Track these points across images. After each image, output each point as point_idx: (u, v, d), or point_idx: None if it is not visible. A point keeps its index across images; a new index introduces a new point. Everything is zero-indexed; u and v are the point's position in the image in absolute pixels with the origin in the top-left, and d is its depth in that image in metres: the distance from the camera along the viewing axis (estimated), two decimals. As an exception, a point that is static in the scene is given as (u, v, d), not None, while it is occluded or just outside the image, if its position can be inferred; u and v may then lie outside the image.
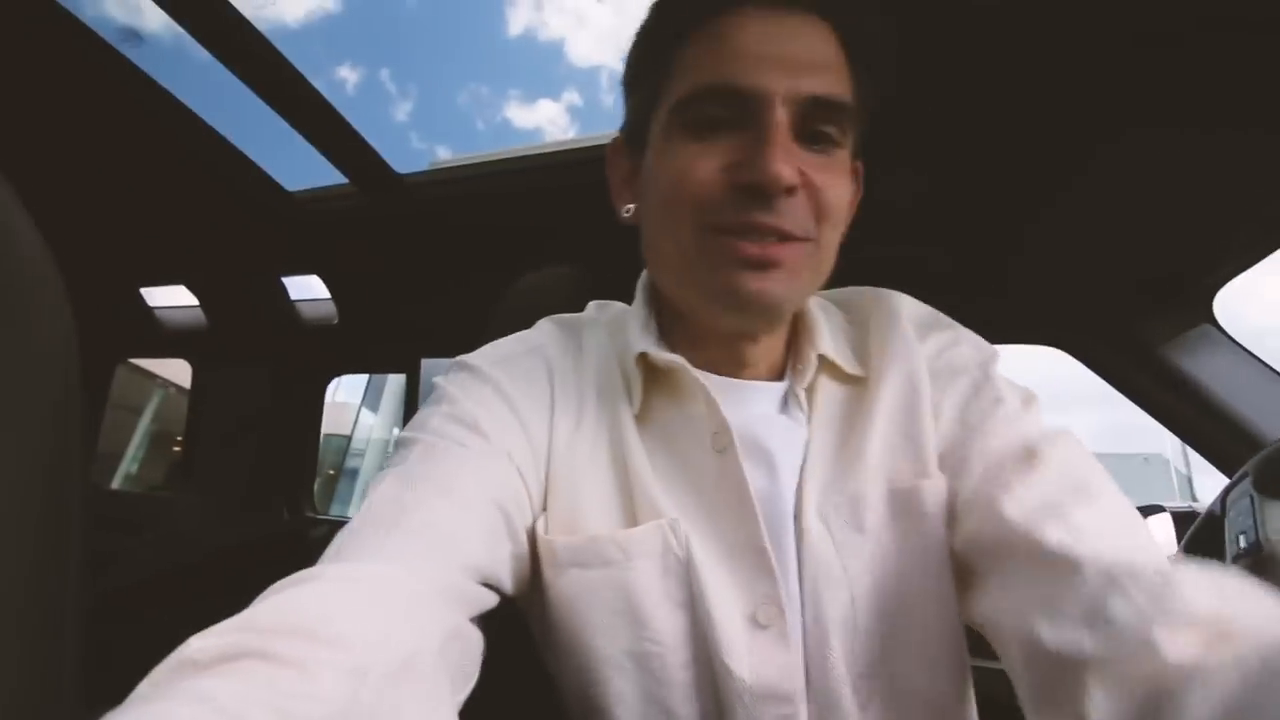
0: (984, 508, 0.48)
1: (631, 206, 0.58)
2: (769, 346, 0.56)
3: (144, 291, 1.94)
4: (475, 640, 0.43)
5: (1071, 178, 0.92)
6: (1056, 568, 0.42)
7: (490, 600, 0.46)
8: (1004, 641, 0.45)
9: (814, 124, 0.48)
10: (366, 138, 1.22)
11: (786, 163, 0.46)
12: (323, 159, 1.31)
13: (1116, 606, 0.38)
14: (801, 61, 0.47)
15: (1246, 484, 0.76)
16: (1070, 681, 0.38)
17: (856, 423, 0.54)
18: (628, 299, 0.64)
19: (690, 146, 0.49)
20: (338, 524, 1.93)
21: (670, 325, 0.57)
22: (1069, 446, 0.50)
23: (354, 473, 12.03)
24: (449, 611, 0.41)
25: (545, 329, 0.62)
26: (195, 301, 1.86)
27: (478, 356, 0.58)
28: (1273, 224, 0.88)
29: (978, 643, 0.66)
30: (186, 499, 1.87)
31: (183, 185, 1.42)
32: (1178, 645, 0.34)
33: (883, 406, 0.53)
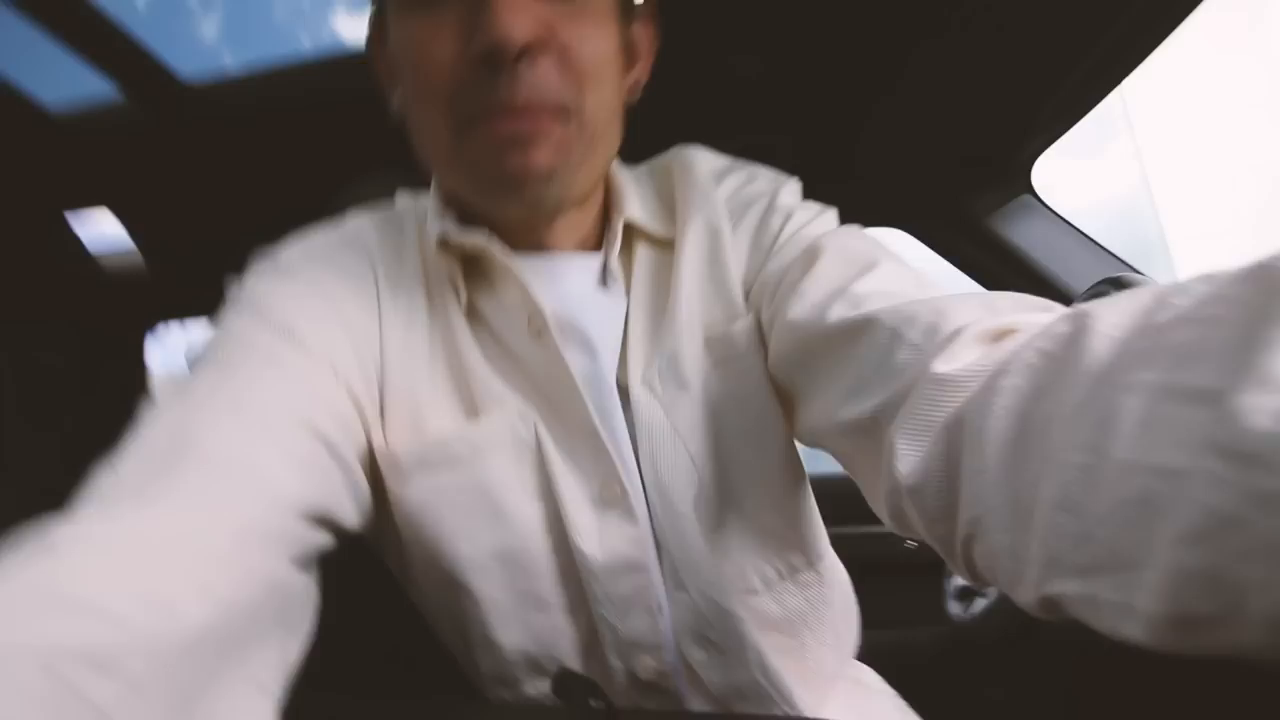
0: (781, 323, 0.48)
1: (396, 101, 0.51)
2: (576, 221, 0.54)
3: None
4: (301, 588, 0.38)
5: (902, 65, 0.94)
6: (847, 345, 0.42)
7: (319, 539, 0.40)
8: (830, 444, 0.46)
9: None
10: (167, 53, 1.03)
11: (518, 16, 0.40)
12: (89, 72, 1.10)
13: (899, 354, 0.37)
14: None
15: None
16: (883, 449, 0.36)
17: (668, 283, 0.53)
18: None
19: (418, 18, 0.44)
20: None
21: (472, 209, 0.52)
22: (849, 235, 0.51)
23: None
24: (260, 559, 0.35)
25: (362, 220, 0.56)
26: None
27: (288, 249, 0.51)
28: (1071, 98, 0.95)
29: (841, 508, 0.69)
30: (3, 494, 1.62)
31: None
32: (955, 366, 0.33)
33: (688, 260, 0.53)
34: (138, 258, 1.50)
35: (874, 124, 1.07)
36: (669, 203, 0.57)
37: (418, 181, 0.75)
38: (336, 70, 1.04)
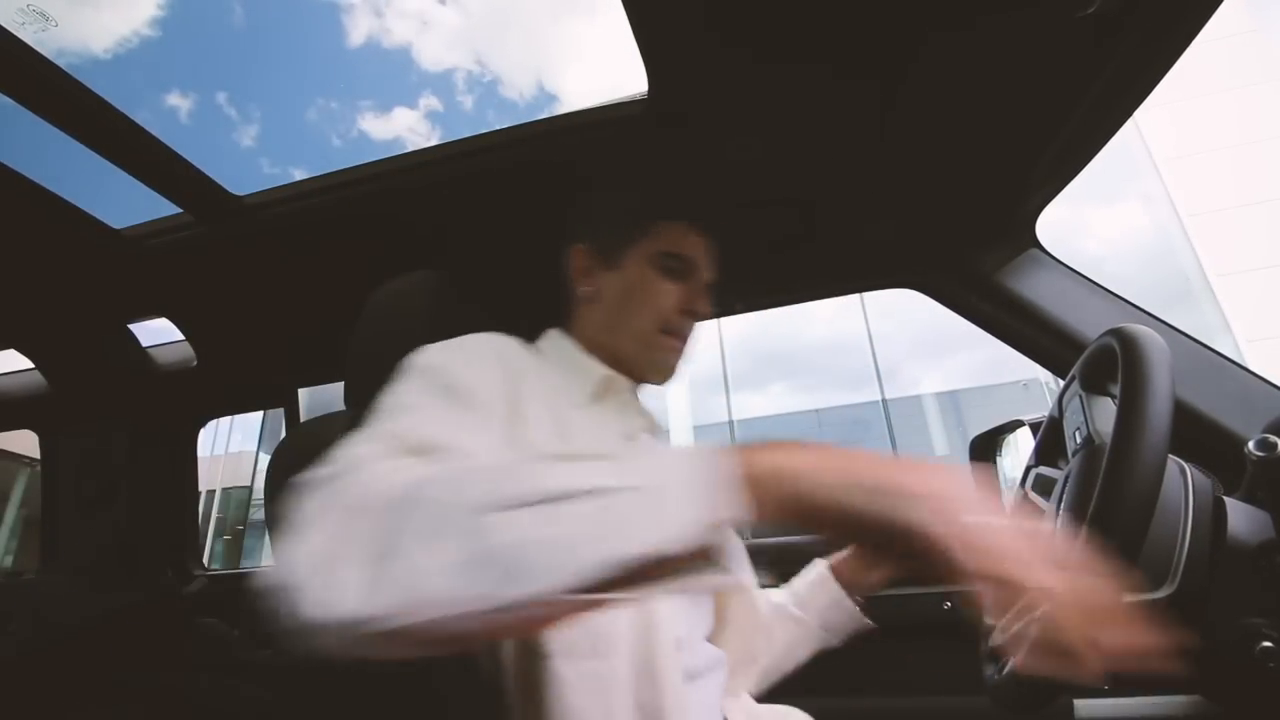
0: None
1: (589, 289, 0.87)
2: None
3: None
4: None
5: (902, 129, 0.98)
6: None
7: None
8: None
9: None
10: (210, 164, 1.14)
11: (709, 305, 0.88)
12: (152, 192, 1.22)
13: None
14: (709, 261, 0.89)
15: (1076, 385, 0.83)
16: None
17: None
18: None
19: (663, 283, 0.84)
20: (219, 576, 1.81)
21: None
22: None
23: (262, 526, 11.27)
24: None
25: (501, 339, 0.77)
26: (31, 365, 1.69)
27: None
28: (1066, 153, 0.97)
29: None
30: (51, 580, 1.69)
31: None
32: None
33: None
34: (192, 358, 1.60)
35: (878, 187, 1.11)
36: None
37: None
38: (369, 176, 1.12)
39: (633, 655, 0.60)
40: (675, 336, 0.85)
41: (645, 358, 0.85)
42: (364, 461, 0.47)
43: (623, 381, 0.84)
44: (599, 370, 0.83)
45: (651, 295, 0.83)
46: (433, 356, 0.66)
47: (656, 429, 0.89)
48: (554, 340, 0.89)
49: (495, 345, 0.72)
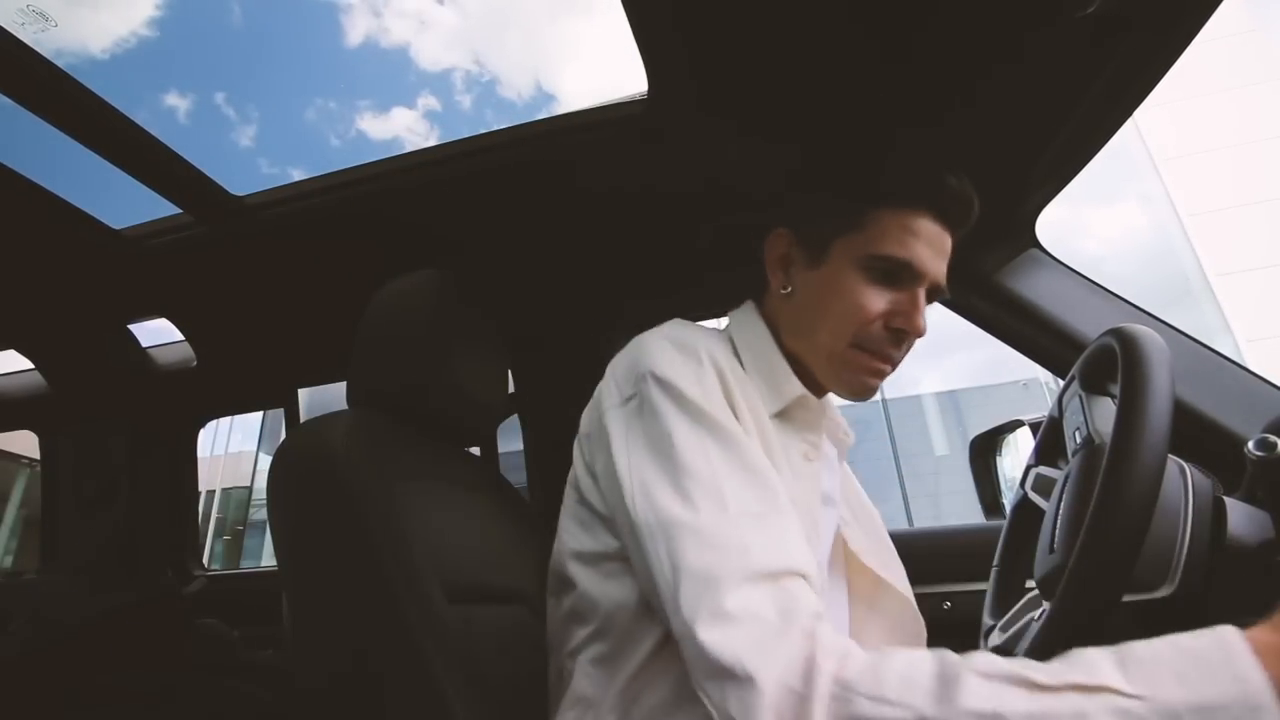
0: None
1: (789, 287, 0.77)
2: None
3: None
4: None
5: (899, 131, 0.98)
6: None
7: None
8: None
9: (929, 295, 0.74)
10: (209, 164, 1.14)
11: (925, 320, 0.73)
12: (151, 193, 1.22)
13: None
14: (942, 261, 0.74)
15: (1076, 385, 0.83)
16: None
17: None
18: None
19: (869, 288, 0.71)
20: (218, 577, 1.81)
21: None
22: None
23: (262, 525, 11.27)
24: None
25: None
26: (30, 365, 1.69)
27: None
28: (1066, 153, 0.98)
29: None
30: (51, 580, 1.69)
31: None
32: None
33: None
34: (191, 358, 1.60)
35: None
36: None
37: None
38: (369, 176, 1.12)
39: None
40: (874, 356, 0.73)
41: (834, 376, 0.76)
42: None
43: (813, 401, 0.77)
44: (792, 389, 0.75)
45: (854, 303, 0.71)
46: (664, 369, 0.65)
47: (846, 440, 0.88)
48: (750, 332, 0.80)
49: (708, 348, 0.69)
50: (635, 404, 0.66)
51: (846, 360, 0.73)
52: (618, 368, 0.71)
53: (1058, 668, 0.45)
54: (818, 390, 0.79)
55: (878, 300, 0.71)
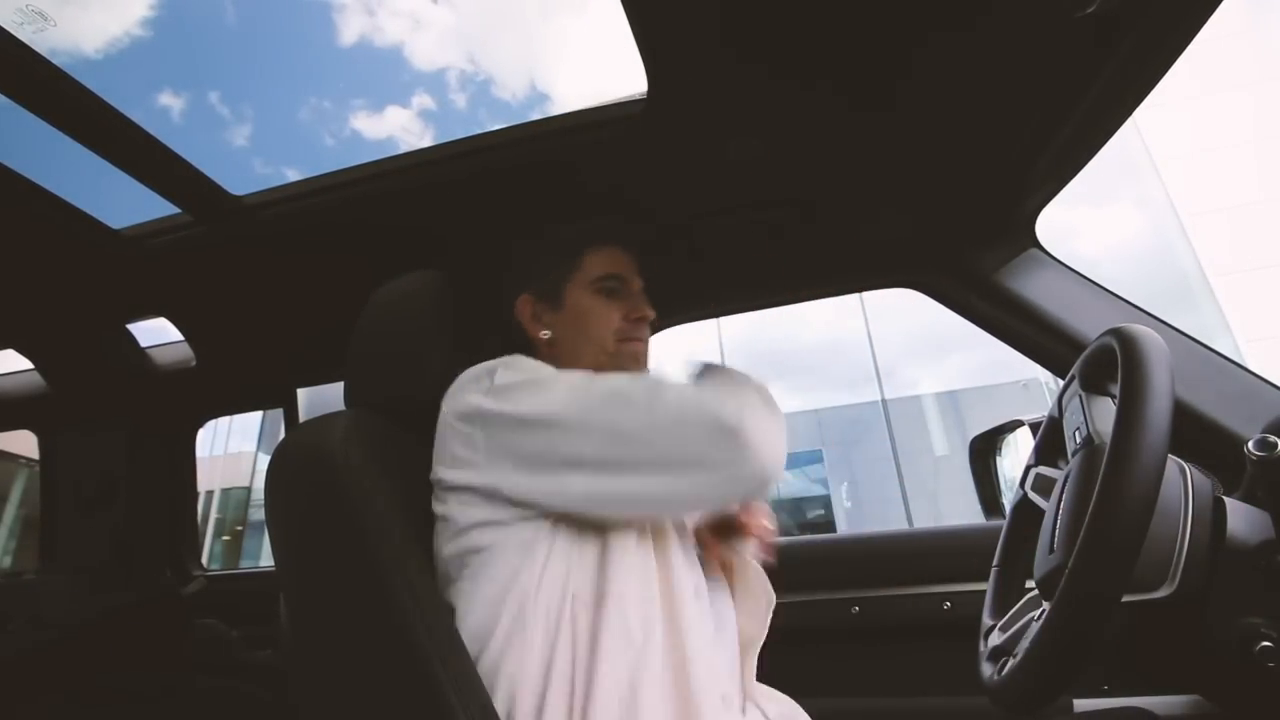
0: None
1: (547, 333, 0.95)
2: None
3: None
4: None
5: (898, 127, 0.98)
6: None
7: None
8: None
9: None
10: (204, 164, 1.14)
11: (650, 309, 0.97)
12: (151, 192, 1.22)
13: None
14: (635, 269, 0.99)
15: (1075, 385, 0.83)
16: None
17: None
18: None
19: (605, 300, 0.94)
20: (218, 577, 1.81)
21: None
22: None
23: (261, 525, 11.24)
24: None
25: None
26: (30, 365, 1.68)
27: None
28: (1066, 152, 0.97)
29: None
30: (51, 580, 1.69)
31: None
32: None
33: None
34: (191, 358, 1.60)
35: (877, 187, 1.11)
36: None
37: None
38: (369, 177, 1.12)
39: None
40: (635, 340, 0.95)
41: (614, 364, 0.93)
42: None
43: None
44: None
45: (601, 317, 0.93)
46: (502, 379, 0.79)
47: None
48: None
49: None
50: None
51: (620, 351, 0.93)
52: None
53: None
54: None
55: (618, 307, 0.94)
